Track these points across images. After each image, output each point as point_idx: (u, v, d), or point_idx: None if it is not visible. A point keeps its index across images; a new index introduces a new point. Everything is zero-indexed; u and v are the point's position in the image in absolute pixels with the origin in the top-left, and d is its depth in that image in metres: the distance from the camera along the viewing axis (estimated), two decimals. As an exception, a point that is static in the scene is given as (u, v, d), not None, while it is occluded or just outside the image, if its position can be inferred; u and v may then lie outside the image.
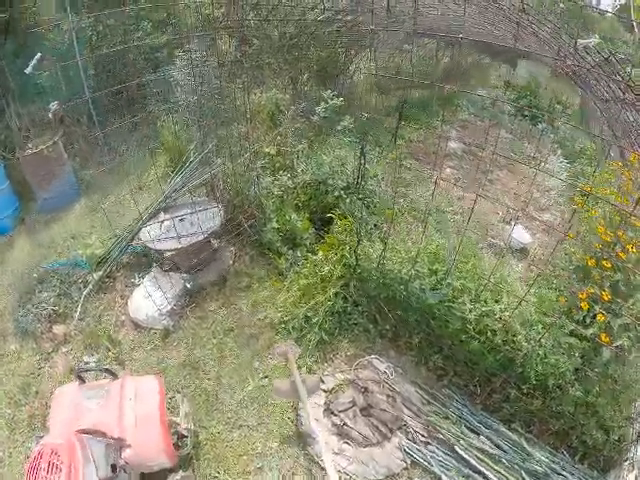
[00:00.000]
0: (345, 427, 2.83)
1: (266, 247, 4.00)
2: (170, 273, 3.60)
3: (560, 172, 6.29)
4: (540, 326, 2.67)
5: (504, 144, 7.32)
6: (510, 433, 2.76)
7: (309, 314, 3.22)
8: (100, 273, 3.72)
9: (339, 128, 3.95)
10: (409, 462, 2.69)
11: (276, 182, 4.12)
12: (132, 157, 5.24)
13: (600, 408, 2.52)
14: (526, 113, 8.12)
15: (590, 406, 2.56)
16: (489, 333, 2.65)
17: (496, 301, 2.65)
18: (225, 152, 4.36)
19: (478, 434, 2.80)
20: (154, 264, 3.72)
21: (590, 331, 2.55)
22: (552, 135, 7.67)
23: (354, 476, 2.63)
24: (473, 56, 9.19)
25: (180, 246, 3.36)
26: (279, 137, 4.90)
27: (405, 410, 2.99)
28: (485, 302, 2.64)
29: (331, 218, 3.76)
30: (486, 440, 2.76)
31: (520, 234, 4.67)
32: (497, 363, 2.75)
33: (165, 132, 4.88)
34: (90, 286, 3.67)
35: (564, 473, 2.58)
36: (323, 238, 3.80)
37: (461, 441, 2.75)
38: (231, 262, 4.06)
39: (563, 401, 2.60)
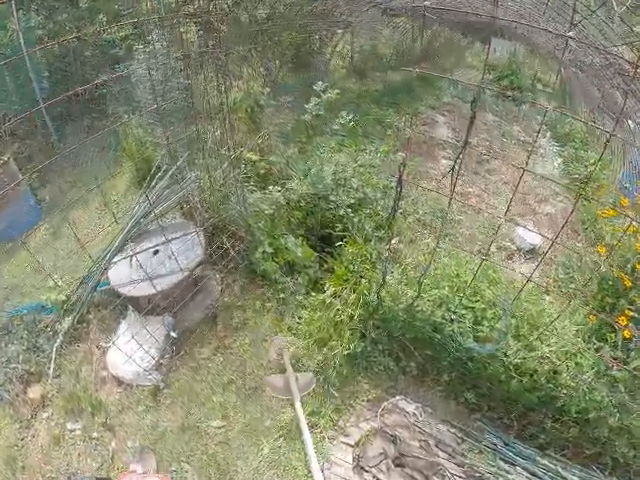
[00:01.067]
0: None
1: (259, 275, 3.56)
2: (149, 317, 3.08)
3: (554, 157, 6.16)
4: (581, 358, 2.47)
5: (493, 128, 7.13)
6: (545, 461, 2.65)
7: (320, 358, 2.85)
8: (70, 320, 3.17)
9: (336, 127, 3.47)
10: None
11: (266, 198, 3.63)
12: (94, 169, 4.55)
13: (635, 430, 2.44)
14: (509, 94, 7.98)
15: (625, 429, 2.46)
16: (533, 373, 2.41)
17: (540, 340, 2.39)
18: (199, 161, 3.82)
19: (514, 464, 2.70)
20: (130, 307, 3.18)
21: (634, 364, 2.40)
22: (538, 117, 7.56)
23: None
24: (450, 35, 8.85)
25: (156, 291, 2.86)
26: (261, 140, 4.38)
27: (440, 453, 2.78)
28: (530, 344, 2.37)
29: (331, 234, 3.38)
30: (522, 471, 2.66)
31: (528, 234, 4.48)
32: (538, 400, 2.57)
33: (128, 138, 4.22)
34: (60, 337, 3.13)
35: None
36: (326, 261, 3.41)
37: (500, 478, 2.61)
38: (219, 293, 3.58)
39: (600, 428, 2.49)
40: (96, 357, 3.11)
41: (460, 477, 2.67)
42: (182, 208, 3.89)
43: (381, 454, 2.70)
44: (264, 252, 3.46)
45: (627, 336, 2.38)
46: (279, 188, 3.67)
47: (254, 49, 4.62)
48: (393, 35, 7.59)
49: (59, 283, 3.31)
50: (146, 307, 2.92)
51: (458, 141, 6.74)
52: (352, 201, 3.18)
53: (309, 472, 2.56)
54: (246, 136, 4.40)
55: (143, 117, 4.22)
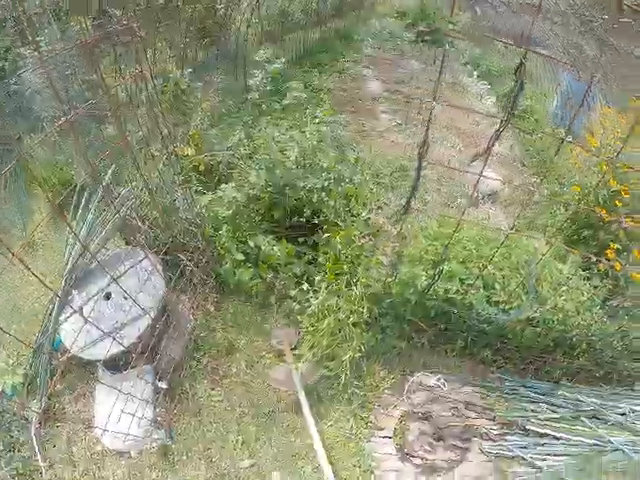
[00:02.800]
0: (427, 462, 2.63)
1: (232, 286, 3.24)
2: (124, 372, 2.63)
3: (486, 95, 6.42)
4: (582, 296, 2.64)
5: (420, 74, 7.18)
6: (562, 391, 2.91)
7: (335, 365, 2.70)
8: (37, 403, 2.62)
9: (287, 102, 3.12)
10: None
11: (219, 198, 3.24)
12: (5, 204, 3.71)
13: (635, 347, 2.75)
14: (426, 38, 8.08)
15: (627, 347, 2.76)
16: (548, 323, 2.52)
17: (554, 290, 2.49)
18: (129, 171, 3.28)
19: (537, 402, 2.92)
20: (99, 365, 2.69)
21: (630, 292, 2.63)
22: (461, 56, 7.78)
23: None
24: None
25: (123, 348, 2.44)
26: (194, 130, 3.87)
27: (471, 414, 2.88)
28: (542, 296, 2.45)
29: (302, 222, 3.14)
30: (546, 405, 2.89)
31: (487, 179, 4.62)
32: (553, 343, 2.74)
33: (35, 162, 3.45)
34: (35, 423, 2.57)
35: (610, 404, 2.87)
36: (304, 253, 3.18)
37: (532, 419, 2.81)
38: (193, 320, 3.19)
39: (605, 351, 2.78)
40: (83, 433, 2.62)
41: (493, 429, 2.81)
42: (122, 233, 3.34)
43: (420, 435, 2.72)
44: (233, 260, 3.14)
45: (618, 269, 2.56)
46: (233, 184, 3.30)
47: (157, 29, 3.97)
48: None
49: (9, 362, 2.69)
50: (118, 364, 2.48)
51: (391, 92, 6.72)
52: (325, 183, 2.92)
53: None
54: (175, 129, 3.85)
55: (49, 133, 3.49)
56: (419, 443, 2.69)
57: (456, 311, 2.56)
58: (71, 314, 2.54)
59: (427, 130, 1.86)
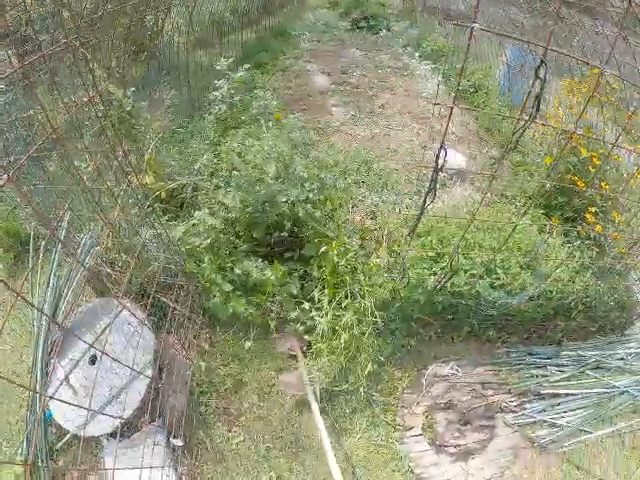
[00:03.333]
0: (461, 448, 2.70)
1: (222, 319, 3.07)
2: (132, 437, 2.41)
3: (432, 76, 6.55)
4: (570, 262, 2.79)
5: (364, 62, 7.20)
6: (566, 352, 3.12)
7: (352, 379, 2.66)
8: None
9: (254, 111, 2.95)
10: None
11: (194, 227, 3.03)
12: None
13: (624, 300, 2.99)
14: (362, 24, 8.10)
15: (617, 301, 2.98)
16: (547, 294, 2.63)
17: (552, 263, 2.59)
18: (85, 214, 3.00)
19: (545, 366, 3.10)
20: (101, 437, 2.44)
21: (613, 254, 2.80)
22: (400, 39, 7.89)
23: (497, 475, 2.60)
24: None
25: (124, 418, 2.23)
26: (149, 156, 3.60)
27: (489, 392, 2.97)
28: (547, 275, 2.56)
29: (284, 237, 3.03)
30: (553, 367, 3.08)
31: (451, 157, 4.71)
32: (552, 311, 2.87)
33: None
34: None
35: (608, 352, 3.13)
36: (295, 269, 3.08)
37: (543, 383, 2.99)
38: (189, 363, 2.98)
39: (599, 308, 2.97)
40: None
41: (512, 401, 2.93)
42: (90, 283, 3.05)
43: (448, 424, 2.77)
44: (221, 292, 2.93)
45: (600, 231, 2.71)
46: (206, 210, 3.10)
47: (86, 49, 3.61)
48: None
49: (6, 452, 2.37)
50: (122, 431, 2.27)
51: (339, 84, 6.68)
52: (309, 194, 2.81)
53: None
54: (127, 157, 3.57)
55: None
56: (449, 432, 2.74)
57: (464, 302, 2.59)
58: (58, 387, 2.28)
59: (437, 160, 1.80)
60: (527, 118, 1.71)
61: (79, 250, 2.78)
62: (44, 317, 2.42)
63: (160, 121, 4.09)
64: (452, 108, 1.71)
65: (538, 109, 1.68)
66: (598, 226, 2.71)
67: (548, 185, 3.00)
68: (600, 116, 3.48)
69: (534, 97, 1.66)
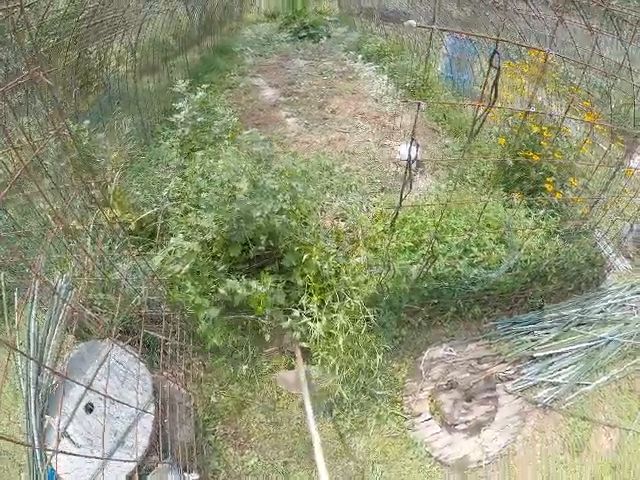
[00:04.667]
0: (470, 423, 2.83)
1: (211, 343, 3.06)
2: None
3: (378, 76, 6.85)
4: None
5: (309, 70, 7.41)
6: (547, 315, 3.35)
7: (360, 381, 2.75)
8: None
9: (217, 130, 2.99)
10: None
11: (171, 255, 3.01)
12: None
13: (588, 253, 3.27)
14: (303, 34, 8.33)
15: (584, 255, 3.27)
16: (522, 264, 2.85)
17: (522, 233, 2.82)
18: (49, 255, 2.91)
19: (532, 332, 3.31)
20: None
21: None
22: (341, 45, 8.19)
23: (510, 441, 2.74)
24: (220, 2, 8.57)
25: (138, 461, 2.18)
26: (113, 188, 3.54)
27: (485, 366, 3.14)
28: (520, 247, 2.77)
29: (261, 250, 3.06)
30: (540, 331, 3.30)
31: (406, 150, 4.92)
32: (529, 279, 3.10)
33: None
34: None
35: (588, 308, 3.41)
36: (278, 281, 3.12)
37: (534, 347, 3.18)
38: (187, 393, 2.93)
39: (571, 268, 3.25)
40: None
41: (508, 370, 3.11)
42: (72, 328, 2.94)
43: (454, 403, 2.90)
44: (206, 319, 2.90)
45: (559, 196, 2.98)
46: (181, 235, 3.09)
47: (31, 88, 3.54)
48: (166, 21, 6.89)
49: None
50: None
51: (288, 96, 6.83)
52: (283, 205, 2.88)
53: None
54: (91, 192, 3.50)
55: None
56: (456, 411, 2.86)
57: (447, 284, 2.75)
58: (58, 442, 2.18)
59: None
60: (486, 104, 1.86)
61: (56, 296, 2.69)
62: (31, 371, 2.31)
63: (118, 151, 4.03)
64: (419, 104, 1.85)
65: (496, 95, 1.82)
66: (557, 194, 2.97)
67: (510, 162, 3.24)
68: (543, 92, 3.81)
69: (491, 84, 1.79)
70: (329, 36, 8.47)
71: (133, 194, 3.68)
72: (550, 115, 3.30)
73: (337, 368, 2.65)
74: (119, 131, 4.08)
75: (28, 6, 3.49)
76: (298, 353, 2.95)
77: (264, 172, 3.07)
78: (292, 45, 8.40)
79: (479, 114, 1.91)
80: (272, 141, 5.31)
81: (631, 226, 3.77)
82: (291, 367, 3.05)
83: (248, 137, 3.58)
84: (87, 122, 3.44)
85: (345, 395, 2.72)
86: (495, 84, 1.79)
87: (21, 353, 1.91)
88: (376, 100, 6.30)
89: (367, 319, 2.61)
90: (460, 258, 2.74)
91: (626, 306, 3.47)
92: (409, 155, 2.00)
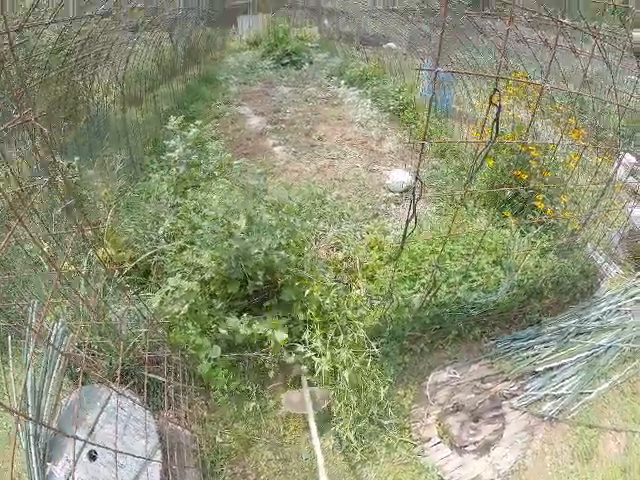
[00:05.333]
0: (479, 443, 2.86)
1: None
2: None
3: (361, 100, 7.08)
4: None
5: (293, 97, 7.61)
6: (545, 329, 3.45)
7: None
8: None
9: (210, 167, 3.05)
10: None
11: (170, 295, 3.02)
12: None
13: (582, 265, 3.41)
14: (286, 61, 8.58)
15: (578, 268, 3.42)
16: (520, 284, 2.95)
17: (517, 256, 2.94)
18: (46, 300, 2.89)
19: (532, 347, 3.39)
20: None
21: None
22: (323, 70, 8.45)
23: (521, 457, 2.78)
24: (203, 32, 8.80)
25: None
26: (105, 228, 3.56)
27: (489, 385, 3.19)
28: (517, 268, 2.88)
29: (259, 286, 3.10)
30: (539, 345, 3.39)
31: (397, 176, 5.06)
32: (526, 296, 3.22)
33: None
34: None
35: (584, 317, 3.51)
36: (279, 316, 3.16)
37: (535, 362, 3.26)
38: (192, 434, 2.90)
39: (565, 282, 3.39)
40: None
41: (512, 387, 3.17)
42: (69, 373, 2.91)
43: (461, 425, 2.93)
44: (208, 359, 2.92)
45: (551, 213, 3.11)
46: (179, 275, 3.11)
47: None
48: (151, 52, 7.06)
49: None
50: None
51: (275, 124, 6.98)
52: (281, 241, 2.92)
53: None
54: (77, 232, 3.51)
55: None
56: (464, 432, 2.89)
57: (448, 310, 2.82)
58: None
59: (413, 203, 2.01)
60: (488, 141, 1.94)
61: (52, 339, 2.67)
62: (30, 421, 2.27)
63: (108, 188, 4.06)
64: (422, 144, 1.94)
65: (497, 133, 1.90)
66: (549, 210, 3.10)
67: (508, 193, 3.37)
68: (525, 109, 4.01)
69: (492, 121, 1.86)
70: (311, 62, 8.74)
71: (125, 231, 3.69)
72: (536, 134, 3.46)
73: (344, 412, 2.67)
74: (109, 167, 4.11)
75: (18, 44, 3.56)
76: (304, 380, 2.95)
77: (259, 206, 3.13)
78: (275, 72, 8.63)
79: (479, 151, 2.00)
80: (265, 173, 5.44)
81: (620, 234, 3.94)
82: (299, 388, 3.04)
83: (238, 168, 3.66)
84: (77, 159, 3.47)
85: (353, 439, 2.73)
86: (496, 121, 1.86)
87: (17, 413, 1.89)
88: (362, 125, 6.47)
89: (373, 353, 2.65)
90: (460, 284, 2.83)
91: (621, 311, 3.59)
92: (414, 195, 2.08)
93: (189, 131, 3.10)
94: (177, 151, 3.07)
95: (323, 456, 2.48)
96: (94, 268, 3.18)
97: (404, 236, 2.26)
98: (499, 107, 1.82)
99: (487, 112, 1.88)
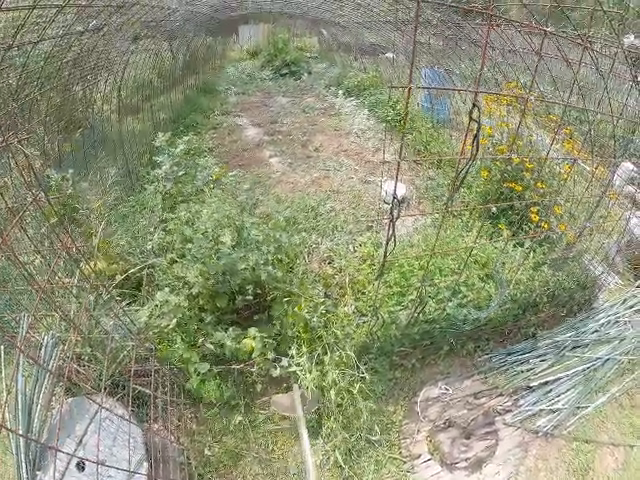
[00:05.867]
0: (471, 460, 2.82)
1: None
2: None
3: (358, 110, 7.14)
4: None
5: (291, 108, 7.68)
6: (540, 343, 3.40)
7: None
8: None
9: (199, 182, 3.08)
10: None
11: (159, 309, 3.04)
12: None
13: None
14: (285, 71, 8.69)
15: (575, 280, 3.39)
16: (513, 298, 2.94)
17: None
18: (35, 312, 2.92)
19: (527, 361, 3.35)
20: None
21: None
22: (322, 81, 8.55)
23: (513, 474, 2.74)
24: (203, 41, 8.94)
25: None
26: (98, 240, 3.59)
27: (482, 401, 3.16)
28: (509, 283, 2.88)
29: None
30: (535, 360, 3.34)
31: (392, 187, 5.04)
32: (520, 310, 3.18)
33: None
34: None
35: (582, 330, 3.47)
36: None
37: (530, 377, 3.23)
38: (180, 447, 2.89)
39: (562, 294, 3.37)
40: None
41: (506, 403, 3.13)
42: (59, 383, 2.92)
43: (452, 442, 2.89)
44: (197, 373, 2.94)
45: (546, 227, 3.10)
46: (167, 289, 3.13)
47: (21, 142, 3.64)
48: (150, 61, 7.18)
49: None
50: None
51: (271, 135, 7.05)
52: (268, 256, 2.93)
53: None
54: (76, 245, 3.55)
55: None
56: (455, 449, 2.85)
57: (438, 326, 2.81)
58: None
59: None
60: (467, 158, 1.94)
61: (42, 351, 2.70)
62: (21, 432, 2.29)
63: (102, 199, 4.11)
64: (399, 163, 1.95)
65: (477, 149, 1.89)
66: (544, 223, 3.09)
67: (494, 209, 3.37)
68: (518, 118, 4.02)
69: (472, 137, 1.86)
70: (310, 72, 8.85)
71: (118, 244, 3.73)
72: (531, 144, 3.47)
73: (331, 429, 2.66)
74: (103, 179, 4.16)
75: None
76: (295, 386, 2.94)
77: (248, 219, 3.15)
78: (274, 83, 8.74)
79: (460, 167, 2.01)
80: (257, 184, 5.44)
81: (618, 244, 3.91)
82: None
83: (233, 180, 3.70)
84: (71, 171, 3.51)
85: (341, 456, 2.71)
86: (476, 137, 1.85)
87: (8, 430, 1.91)
88: (358, 136, 6.52)
89: (360, 373, 2.65)
90: (449, 300, 2.82)
91: (620, 322, 3.54)
92: (392, 214, 2.10)
93: (177, 147, 3.13)
94: (164, 167, 3.10)
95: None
96: (82, 282, 3.22)
97: (385, 255, 2.27)
98: (478, 123, 1.83)
99: (467, 129, 1.88)
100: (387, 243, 2.17)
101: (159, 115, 6.63)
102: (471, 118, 1.86)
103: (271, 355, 2.91)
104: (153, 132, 6.21)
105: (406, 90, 1.80)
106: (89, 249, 3.50)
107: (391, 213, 2.07)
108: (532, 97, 2.33)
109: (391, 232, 2.10)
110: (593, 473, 2.72)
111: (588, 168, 4.55)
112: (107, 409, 2.53)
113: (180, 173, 3.12)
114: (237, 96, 8.38)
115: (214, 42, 9.87)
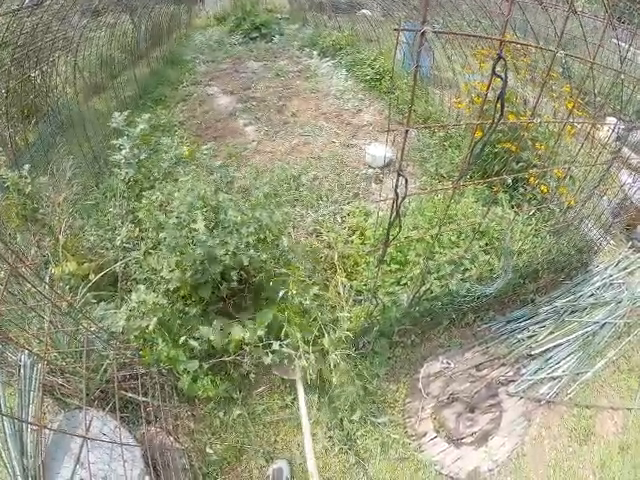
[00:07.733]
0: (477, 434, 2.72)
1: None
2: None
3: (336, 70, 6.55)
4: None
5: (263, 72, 7.03)
6: (540, 309, 3.25)
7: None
8: None
9: (165, 165, 2.66)
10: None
11: (137, 309, 2.70)
12: None
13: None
14: (255, 35, 7.93)
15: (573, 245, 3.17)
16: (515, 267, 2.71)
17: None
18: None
19: (527, 328, 3.22)
20: None
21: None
22: (295, 42, 7.83)
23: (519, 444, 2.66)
24: (167, 11, 8.01)
25: None
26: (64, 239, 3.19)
27: (484, 372, 3.01)
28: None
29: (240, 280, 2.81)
30: (534, 326, 3.21)
31: (377, 150, 4.67)
32: (521, 279, 2.97)
33: None
34: None
35: (579, 294, 3.34)
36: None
37: (531, 345, 3.09)
38: (180, 447, 2.68)
39: (561, 260, 3.17)
40: None
41: (508, 373, 3.01)
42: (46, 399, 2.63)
43: (457, 417, 2.77)
44: (186, 372, 2.67)
45: (545, 190, 2.81)
46: (143, 286, 2.78)
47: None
48: (112, 36, 6.38)
49: None
50: None
51: (245, 102, 6.46)
52: (249, 239, 2.58)
53: None
54: (40, 248, 3.16)
55: None
56: (461, 424, 2.74)
57: (439, 303, 2.57)
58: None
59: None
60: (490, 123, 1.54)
61: (21, 372, 2.39)
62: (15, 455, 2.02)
63: (66, 192, 3.64)
64: (407, 131, 1.59)
65: (502, 110, 1.50)
66: (543, 186, 2.81)
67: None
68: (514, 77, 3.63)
69: (497, 97, 1.47)
70: (282, 34, 8.11)
71: (87, 238, 3.33)
72: (525, 102, 3.11)
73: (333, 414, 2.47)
74: (65, 170, 3.67)
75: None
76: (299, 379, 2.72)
77: (225, 198, 2.78)
78: (245, 47, 7.99)
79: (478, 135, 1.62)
80: (231, 155, 4.98)
81: (615, 205, 3.69)
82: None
83: (207, 154, 3.27)
84: (27, 166, 3.05)
85: (345, 440, 2.57)
86: (501, 98, 1.46)
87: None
88: (337, 97, 6.01)
89: (357, 351, 2.41)
90: (451, 275, 2.56)
91: (615, 284, 3.43)
92: (396, 194, 1.74)
93: (136, 127, 2.69)
94: (123, 152, 2.67)
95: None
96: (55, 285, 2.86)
97: (386, 241, 1.95)
98: (505, 80, 1.41)
99: (488, 87, 1.49)
100: (390, 226, 1.84)
101: (124, 92, 5.96)
102: (494, 73, 1.46)
103: (262, 342, 2.64)
104: (119, 111, 5.60)
105: (394, 39, 1.39)
106: (54, 251, 3.11)
107: (395, 192, 1.72)
108: (561, 52, 1.89)
109: (395, 215, 1.76)
110: (594, 438, 2.68)
111: (579, 127, 4.23)
112: (94, 420, 2.28)
113: (142, 156, 2.70)
114: (206, 64, 7.64)
115: (178, 10, 8.93)
